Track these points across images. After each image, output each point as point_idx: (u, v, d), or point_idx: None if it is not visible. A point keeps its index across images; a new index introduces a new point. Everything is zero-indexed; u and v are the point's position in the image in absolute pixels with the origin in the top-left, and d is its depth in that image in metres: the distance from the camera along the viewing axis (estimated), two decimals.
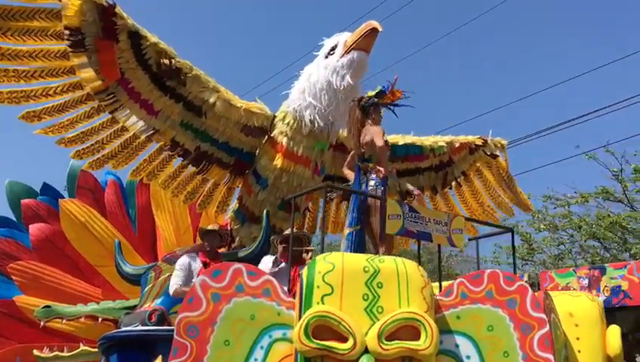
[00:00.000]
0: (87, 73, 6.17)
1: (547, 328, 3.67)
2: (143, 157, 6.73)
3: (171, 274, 5.96)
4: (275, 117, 6.73)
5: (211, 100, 6.39)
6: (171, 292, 5.60)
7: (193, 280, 5.64)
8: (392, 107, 5.64)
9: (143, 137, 6.60)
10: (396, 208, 4.71)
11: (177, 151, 6.76)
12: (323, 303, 3.52)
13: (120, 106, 6.42)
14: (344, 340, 3.41)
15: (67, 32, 5.92)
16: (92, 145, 6.51)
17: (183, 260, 5.74)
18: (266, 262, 5.69)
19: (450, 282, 4.05)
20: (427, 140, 7.58)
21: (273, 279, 3.81)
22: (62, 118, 6.31)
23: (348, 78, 6.13)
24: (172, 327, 5.29)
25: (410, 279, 3.60)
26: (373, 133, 5.37)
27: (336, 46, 6.27)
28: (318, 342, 3.38)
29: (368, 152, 5.39)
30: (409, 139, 7.47)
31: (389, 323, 3.42)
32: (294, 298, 3.78)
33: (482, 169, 8.02)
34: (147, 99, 6.43)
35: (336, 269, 3.59)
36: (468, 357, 3.67)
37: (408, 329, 3.46)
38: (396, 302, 3.54)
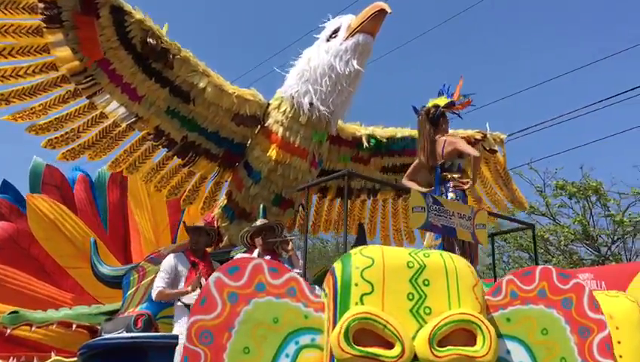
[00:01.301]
0: (64, 52, 5.56)
1: (607, 331, 3.28)
2: (124, 148, 6.14)
3: (156, 275, 5.41)
4: (269, 105, 6.22)
5: (201, 85, 5.85)
6: (154, 295, 5.05)
7: (181, 284, 5.12)
8: (457, 114, 5.44)
9: (124, 125, 6.03)
10: (420, 200, 4.28)
11: (162, 141, 6.19)
12: (362, 303, 3.03)
13: (99, 90, 5.83)
14: (389, 346, 2.93)
15: (41, 5, 5.32)
16: (67, 133, 5.91)
17: (169, 261, 5.18)
18: None
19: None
20: None
21: (299, 276, 3.32)
22: (33, 103, 5.68)
23: (353, 62, 5.69)
24: (166, 334, 4.83)
25: (461, 276, 3.15)
26: (460, 145, 5.12)
27: (339, 28, 5.82)
28: (360, 348, 2.89)
29: (449, 162, 5.16)
30: (406, 132, 7.05)
31: (442, 326, 2.96)
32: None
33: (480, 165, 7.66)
34: (130, 83, 5.85)
35: (376, 264, 3.11)
36: None
37: (460, 333, 3.01)
38: (445, 302, 3.09)
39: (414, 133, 7.10)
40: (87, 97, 5.80)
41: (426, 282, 3.11)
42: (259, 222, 5.17)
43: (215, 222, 6.57)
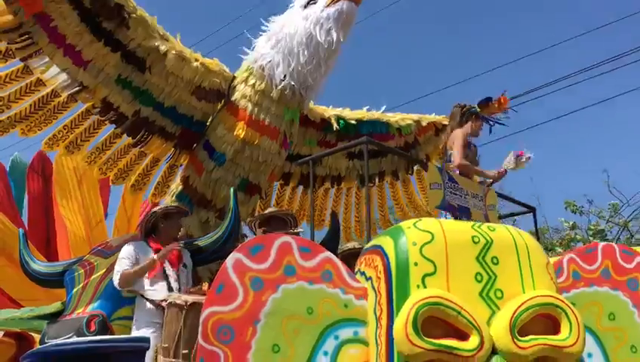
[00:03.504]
0: None
1: None
2: (64, 122, 5.23)
3: (109, 270, 4.60)
4: (234, 77, 5.54)
5: (161, 50, 5.08)
6: (117, 280, 4.24)
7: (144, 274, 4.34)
8: (491, 121, 5.34)
9: (65, 95, 5.14)
10: (437, 176, 3.80)
11: (109, 116, 5.34)
12: (425, 286, 2.48)
13: (36, 52, 4.94)
14: (463, 337, 2.39)
15: None
16: None
17: (129, 249, 4.37)
18: None
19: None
20: (393, 117, 6.71)
21: (334, 257, 2.72)
22: None
23: (334, 32, 5.12)
24: (134, 336, 4.06)
25: (532, 253, 2.66)
26: (455, 145, 4.98)
27: None
28: (433, 341, 2.33)
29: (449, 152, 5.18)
30: (376, 115, 6.57)
31: (523, 311, 2.46)
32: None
33: None
34: (74, 45, 4.99)
35: (437, 239, 2.57)
36: (589, 356, 2.81)
37: (538, 320, 2.51)
38: (518, 283, 2.59)
39: (383, 116, 6.68)
40: (22, 59, 4.90)
41: (495, 260, 2.60)
42: (269, 210, 4.55)
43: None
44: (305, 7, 5.28)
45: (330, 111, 6.29)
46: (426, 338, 2.33)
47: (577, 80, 10.95)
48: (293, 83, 5.27)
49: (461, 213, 3.95)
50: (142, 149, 5.56)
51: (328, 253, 2.72)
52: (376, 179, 7.00)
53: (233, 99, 5.44)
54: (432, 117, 6.99)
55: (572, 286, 2.93)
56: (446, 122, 7.06)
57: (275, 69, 5.29)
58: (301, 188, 6.71)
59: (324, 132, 6.29)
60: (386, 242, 2.65)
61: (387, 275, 2.56)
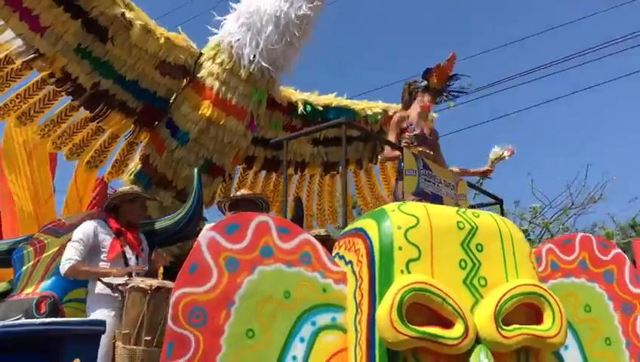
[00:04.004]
0: None
1: None
2: (17, 91, 4.93)
3: (61, 249, 4.33)
4: (201, 54, 5.33)
5: (125, 20, 4.83)
6: (64, 270, 3.97)
7: (102, 256, 4.10)
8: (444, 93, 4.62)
9: (19, 62, 4.84)
10: (412, 162, 3.72)
11: (67, 87, 5.06)
12: (409, 272, 2.39)
13: None
14: (446, 325, 2.32)
15: None
16: None
17: (86, 228, 4.10)
18: None
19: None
20: (359, 105, 6.62)
21: (313, 239, 2.59)
22: None
23: (304, 7, 4.99)
24: (89, 319, 3.83)
25: (516, 241, 2.61)
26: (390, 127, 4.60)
27: None
28: (417, 328, 2.24)
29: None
30: (343, 102, 6.46)
31: (507, 301, 2.40)
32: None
33: None
34: (31, 9, 4.70)
35: (422, 224, 2.48)
36: (565, 347, 2.77)
37: (521, 310, 2.46)
38: (501, 271, 2.53)
39: (350, 104, 6.57)
40: None
41: (479, 247, 2.53)
42: (240, 193, 4.41)
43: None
44: None
45: (297, 95, 6.15)
46: (410, 326, 2.24)
47: (516, 82, 11.19)
48: (262, 63, 5.11)
49: (434, 200, 3.89)
50: (100, 124, 5.30)
51: (307, 235, 2.60)
52: (339, 167, 6.90)
53: (199, 76, 5.24)
54: (398, 106, 6.91)
55: (550, 277, 2.90)
56: None
57: (244, 47, 5.12)
58: (264, 172, 6.54)
59: (291, 115, 6.14)
60: (369, 225, 2.54)
61: (370, 259, 2.46)
